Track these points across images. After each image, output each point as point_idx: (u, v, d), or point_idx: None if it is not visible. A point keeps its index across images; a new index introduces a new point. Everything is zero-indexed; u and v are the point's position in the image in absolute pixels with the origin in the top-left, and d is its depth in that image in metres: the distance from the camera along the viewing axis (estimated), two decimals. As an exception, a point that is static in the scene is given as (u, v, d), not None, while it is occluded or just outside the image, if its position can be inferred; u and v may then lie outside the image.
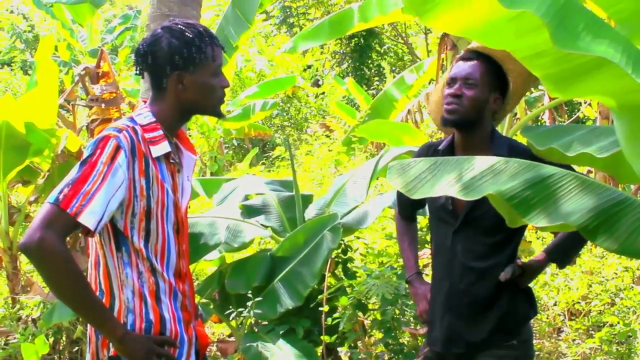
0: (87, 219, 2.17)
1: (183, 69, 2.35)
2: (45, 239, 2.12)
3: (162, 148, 2.36)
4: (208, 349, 5.60)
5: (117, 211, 2.28)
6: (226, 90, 2.53)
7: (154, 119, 2.38)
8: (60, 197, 2.16)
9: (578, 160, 2.49)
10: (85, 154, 2.24)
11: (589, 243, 3.99)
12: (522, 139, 3.21)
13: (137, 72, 2.41)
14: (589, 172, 6.11)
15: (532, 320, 2.97)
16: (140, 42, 2.41)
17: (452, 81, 2.79)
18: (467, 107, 2.73)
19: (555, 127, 2.91)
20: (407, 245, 3.12)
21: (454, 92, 2.75)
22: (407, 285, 3.23)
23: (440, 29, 2.97)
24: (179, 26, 2.37)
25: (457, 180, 2.16)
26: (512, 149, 2.73)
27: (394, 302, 4.01)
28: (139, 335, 2.31)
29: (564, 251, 2.85)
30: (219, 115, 2.51)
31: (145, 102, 2.49)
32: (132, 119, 2.38)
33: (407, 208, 3.14)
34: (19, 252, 5.96)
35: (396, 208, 3.21)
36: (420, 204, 3.13)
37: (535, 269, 2.82)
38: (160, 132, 2.37)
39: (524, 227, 2.87)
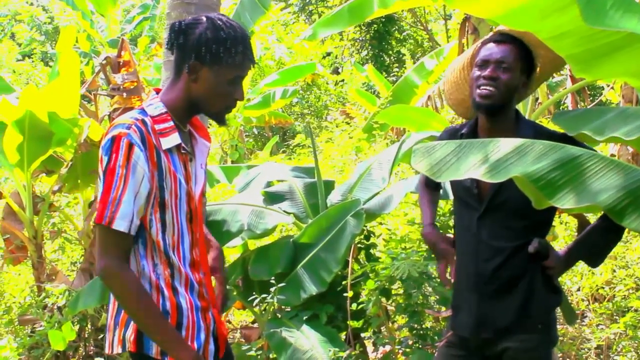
0: (119, 224, 2.23)
1: (204, 62, 2.34)
2: (104, 266, 2.25)
3: (172, 140, 2.36)
4: (232, 336, 5.63)
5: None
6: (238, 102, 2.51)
7: (164, 110, 2.38)
8: (97, 214, 2.24)
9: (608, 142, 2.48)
10: (104, 162, 2.25)
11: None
12: (545, 124, 3.18)
13: (167, 46, 2.41)
14: (612, 155, 6.07)
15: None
16: (181, 20, 2.41)
17: (484, 64, 2.71)
18: (502, 92, 2.67)
19: (584, 112, 2.88)
20: (426, 201, 3.13)
21: (489, 75, 2.68)
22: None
23: (463, 10, 2.95)
24: (221, 22, 2.36)
25: (482, 162, 2.15)
26: (538, 133, 2.69)
27: (420, 285, 4.00)
28: None
29: (591, 246, 2.80)
30: (220, 122, 2.49)
31: (157, 91, 2.49)
32: (142, 110, 2.38)
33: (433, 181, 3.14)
34: (44, 241, 6.01)
35: (421, 177, 3.20)
36: None
37: (562, 257, 2.78)
38: (171, 122, 2.37)
39: (551, 215, 2.85)
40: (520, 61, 2.70)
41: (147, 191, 2.28)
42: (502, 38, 2.72)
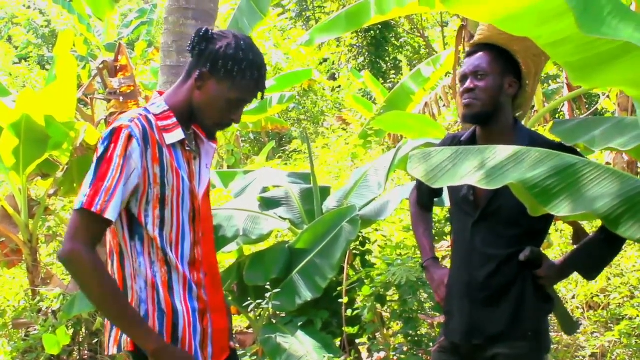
0: (112, 214, 2.21)
1: (215, 74, 2.35)
2: (74, 250, 2.18)
3: (176, 135, 2.37)
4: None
5: (132, 198, 2.29)
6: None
7: (167, 108, 2.39)
8: (85, 199, 2.20)
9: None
10: (100, 150, 2.25)
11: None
12: (542, 132, 3.19)
13: (189, 47, 2.42)
14: (608, 164, 6.09)
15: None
16: (210, 28, 2.42)
17: (463, 79, 2.81)
18: (483, 99, 2.73)
19: (580, 122, 2.89)
20: (422, 232, 3.11)
21: (467, 87, 2.77)
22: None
23: (461, 14, 2.97)
24: (245, 43, 2.38)
25: (478, 168, 2.15)
26: (534, 141, 2.70)
27: (415, 291, 4.01)
28: (175, 348, 2.33)
29: (587, 258, 2.80)
30: (209, 135, 2.51)
31: (160, 93, 2.50)
32: (145, 109, 2.39)
33: (426, 197, 3.14)
34: (39, 245, 6.00)
35: (413, 195, 3.20)
36: (437, 193, 3.14)
37: (555, 267, 2.78)
38: (174, 119, 2.38)
39: (546, 225, 2.85)
40: (495, 63, 2.76)
41: (133, 186, 2.26)
42: (474, 49, 2.82)
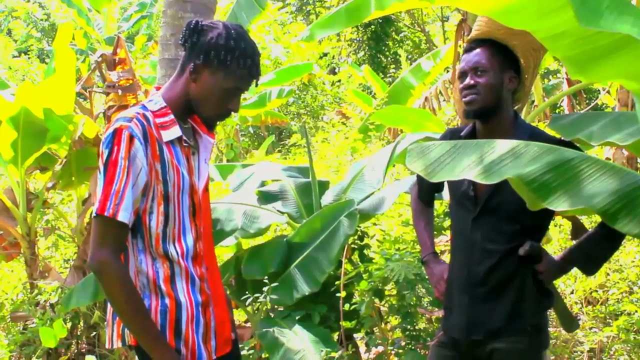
0: (124, 216, 2.24)
1: (208, 65, 2.36)
2: (101, 259, 2.23)
3: (173, 132, 2.38)
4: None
5: (142, 197, 2.31)
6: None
7: (164, 105, 2.41)
8: (98, 205, 2.24)
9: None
10: (105, 154, 2.26)
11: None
12: (542, 127, 3.18)
13: (181, 40, 2.43)
14: (607, 159, 6.08)
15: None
16: (200, 19, 2.43)
17: (462, 75, 2.80)
18: (484, 95, 2.73)
19: (579, 117, 2.88)
20: (423, 226, 3.12)
21: (467, 84, 2.76)
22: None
23: (460, 7, 2.97)
24: (236, 32, 2.39)
25: (477, 163, 2.14)
26: (534, 136, 2.69)
27: (413, 286, 4.00)
28: None
29: (587, 253, 2.79)
30: (210, 127, 2.53)
31: (158, 88, 2.51)
32: (143, 106, 2.41)
33: (427, 192, 3.14)
34: (37, 238, 6.00)
35: (414, 191, 3.20)
36: (438, 188, 3.13)
37: (555, 262, 2.78)
38: (171, 116, 2.40)
39: (546, 221, 2.84)
40: (495, 59, 2.75)
41: (143, 184, 2.29)
42: (472, 45, 2.82)
